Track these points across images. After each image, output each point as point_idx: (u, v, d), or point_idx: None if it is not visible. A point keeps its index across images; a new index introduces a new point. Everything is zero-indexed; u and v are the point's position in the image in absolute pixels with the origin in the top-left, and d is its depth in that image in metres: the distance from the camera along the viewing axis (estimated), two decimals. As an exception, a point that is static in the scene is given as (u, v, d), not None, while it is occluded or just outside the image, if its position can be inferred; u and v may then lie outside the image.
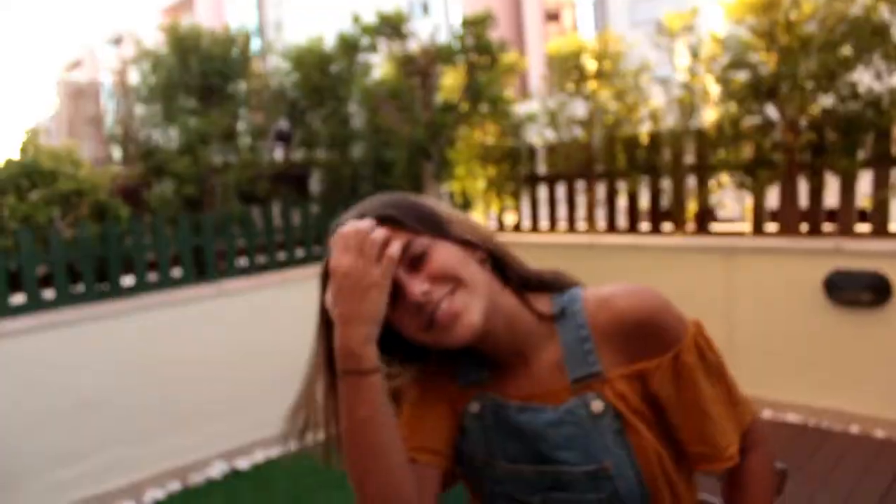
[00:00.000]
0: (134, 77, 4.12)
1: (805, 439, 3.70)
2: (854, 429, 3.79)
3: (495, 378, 1.19)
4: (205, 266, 3.99)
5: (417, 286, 1.05)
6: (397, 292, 1.07)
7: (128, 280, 3.84)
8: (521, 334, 1.15)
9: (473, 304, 1.07)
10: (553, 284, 1.21)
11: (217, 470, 3.85)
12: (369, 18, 3.90)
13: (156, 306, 3.76)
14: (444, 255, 1.08)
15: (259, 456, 4.01)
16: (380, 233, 1.07)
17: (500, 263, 1.18)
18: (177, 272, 4.00)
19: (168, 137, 4.04)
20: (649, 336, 1.12)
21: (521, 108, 5.35)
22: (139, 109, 4.15)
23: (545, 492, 1.15)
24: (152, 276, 3.90)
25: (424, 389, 1.22)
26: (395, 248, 1.06)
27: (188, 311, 3.86)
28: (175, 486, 3.72)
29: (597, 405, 1.11)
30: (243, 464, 3.93)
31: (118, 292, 3.73)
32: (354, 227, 1.08)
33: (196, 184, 3.97)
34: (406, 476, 1.09)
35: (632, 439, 1.12)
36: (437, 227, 1.11)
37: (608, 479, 1.11)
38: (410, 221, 1.09)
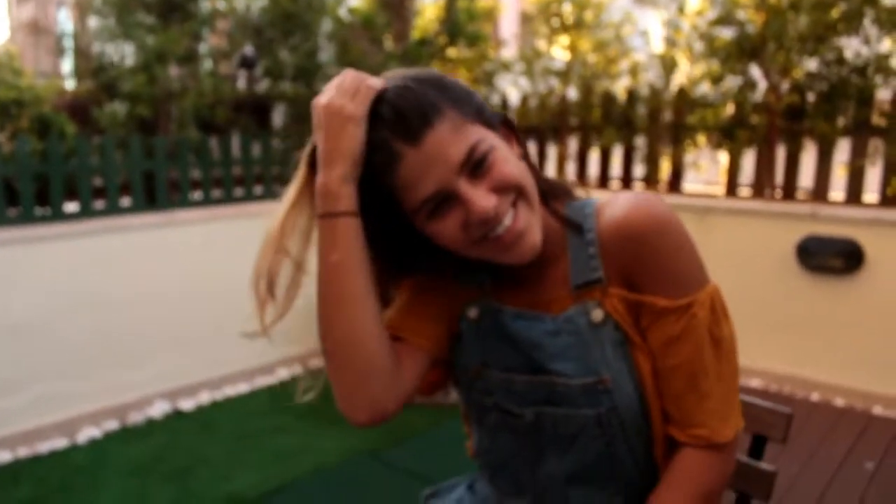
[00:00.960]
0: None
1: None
2: (815, 396, 3.76)
3: (497, 284, 1.11)
4: (155, 194, 3.74)
5: (485, 199, 0.94)
6: (448, 200, 0.95)
7: (71, 206, 3.58)
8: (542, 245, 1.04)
9: (534, 220, 0.99)
10: (568, 192, 1.11)
11: (158, 410, 3.65)
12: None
13: (100, 231, 3.51)
14: (506, 158, 0.97)
15: (204, 397, 3.82)
16: (363, 76, 0.98)
17: (528, 162, 1.06)
18: (125, 202, 3.74)
19: (123, 54, 3.75)
20: (653, 258, 1.00)
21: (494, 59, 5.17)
22: (92, 22, 3.85)
23: (539, 405, 1.07)
24: (98, 204, 3.64)
25: (425, 279, 1.12)
26: (374, 81, 0.97)
27: (135, 238, 3.61)
28: (112, 424, 3.51)
29: (597, 314, 1.02)
30: (187, 404, 3.73)
31: (60, 216, 3.47)
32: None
33: (150, 105, 3.70)
34: (377, 335, 1.02)
35: (632, 352, 1.03)
36: (483, 114, 0.99)
37: (606, 393, 1.02)
38: (461, 107, 0.95)
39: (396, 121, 0.93)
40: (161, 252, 3.69)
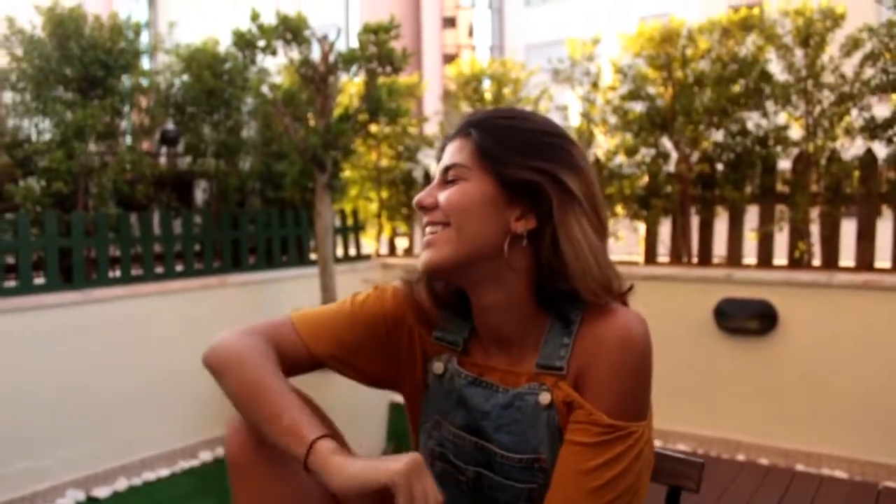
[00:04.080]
0: (2, 60, 3.74)
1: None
2: (740, 457, 3.82)
3: (469, 343, 1.22)
4: (71, 272, 3.61)
5: (426, 195, 1.15)
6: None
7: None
8: (514, 323, 1.16)
9: (448, 248, 1.11)
10: (576, 296, 1.14)
11: (70, 499, 3.44)
12: (268, 19, 3.72)
13: (12, 310, 3.35)
14: (464, 195, 1.11)
15: (121, 483, 3.62)
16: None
17: (555, 250, 1.11)
18: (39, 280, 3.60)
19: (39, 129, 3.67)
20: (612, 370, 1.08)
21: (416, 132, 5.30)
22: (7, 96, 3.77)
23: (480, 466, 1.17)
24: (9, 282, 3.49)
25: (394, 311, 1.25)
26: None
27: (49, 317, 3.46)
28: (20, 517, 3.29)
29: (545, 397, 1.11)
30: (102, 492, 3.53)
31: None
32: None
33: (68, 181, 3.61)
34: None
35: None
36: (507, 164, 1.10)
37: (542, 471, 1.11)
38: (488, 143, 1.12)
39: (459, 123, 1.19)
40: (77, 331, 3.55)
